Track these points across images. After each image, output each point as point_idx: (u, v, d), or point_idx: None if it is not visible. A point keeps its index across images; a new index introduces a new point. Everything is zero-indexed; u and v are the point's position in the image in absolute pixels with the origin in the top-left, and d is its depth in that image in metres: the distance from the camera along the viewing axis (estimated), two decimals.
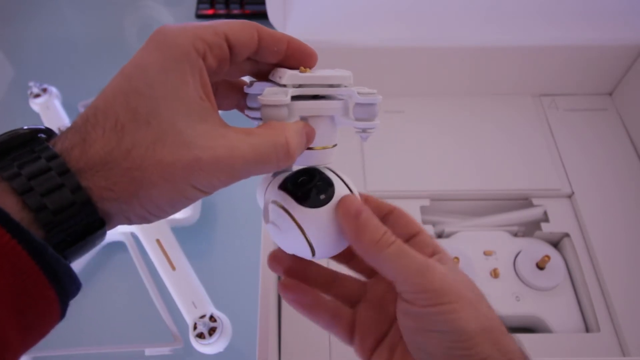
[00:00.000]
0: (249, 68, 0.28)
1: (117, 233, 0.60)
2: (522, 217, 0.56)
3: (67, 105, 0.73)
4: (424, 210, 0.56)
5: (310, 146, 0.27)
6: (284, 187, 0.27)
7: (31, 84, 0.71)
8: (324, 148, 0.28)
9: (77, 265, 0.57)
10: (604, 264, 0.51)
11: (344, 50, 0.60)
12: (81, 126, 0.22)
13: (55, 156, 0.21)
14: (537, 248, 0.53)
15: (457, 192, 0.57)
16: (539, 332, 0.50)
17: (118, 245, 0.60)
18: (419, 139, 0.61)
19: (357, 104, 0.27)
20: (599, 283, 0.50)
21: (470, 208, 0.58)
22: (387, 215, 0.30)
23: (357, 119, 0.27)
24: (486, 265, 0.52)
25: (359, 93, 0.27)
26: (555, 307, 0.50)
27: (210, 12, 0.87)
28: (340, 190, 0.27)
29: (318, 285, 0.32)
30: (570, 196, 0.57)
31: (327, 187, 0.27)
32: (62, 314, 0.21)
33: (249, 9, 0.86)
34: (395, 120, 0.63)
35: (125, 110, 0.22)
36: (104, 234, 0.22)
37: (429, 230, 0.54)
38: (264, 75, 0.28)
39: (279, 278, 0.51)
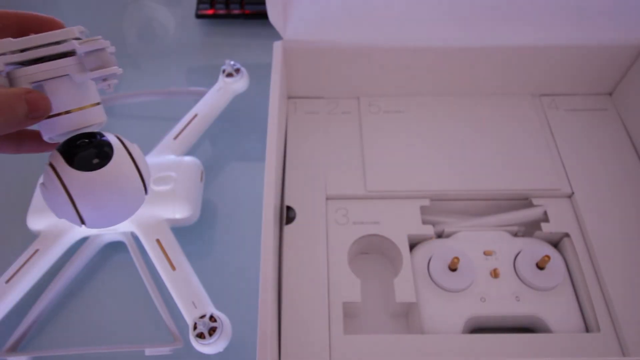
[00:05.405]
0: None
1: (117, 233, 0.60)
2: (522, 217, 0.56)
3: None
4: (424, 210, 0.56)
5: (57, 112, 0.25)
6: (59, 148, 0.26)
7: None
8: (81, 109, 0.26)
9: (78, 264, 0.57)
10: (604, 264, 0.51)
11: (344, 51, 0.60)
12: None
13: None
14: (537, 248, 0.53)
15: (457, 192, 0.57)
16: (539, 332, 0.50)
17: (118, 245, 0.60)
18: (419, 139, 0.61)
19: (86, 54, 0.25)
20: (599, 283, 0.50)
21: (470, 208, 0.58)
22: None
23: (92, 70, 0.26)
24: (486, 265, 0.52)
25: (79, 43, 0.25)
26: (555, 307, 0.50)
27: (210, 12, 0.87)
28: (120, 158, 0.26)
29: None
30: (570, 196, 0.57)
31: (103, 150, 0.25)
32: None
33: (248, 9, 0.86)
34: (395, 120, 0.63)
35: None
36: None
37: (429, 230, 0.54)
38: None
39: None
